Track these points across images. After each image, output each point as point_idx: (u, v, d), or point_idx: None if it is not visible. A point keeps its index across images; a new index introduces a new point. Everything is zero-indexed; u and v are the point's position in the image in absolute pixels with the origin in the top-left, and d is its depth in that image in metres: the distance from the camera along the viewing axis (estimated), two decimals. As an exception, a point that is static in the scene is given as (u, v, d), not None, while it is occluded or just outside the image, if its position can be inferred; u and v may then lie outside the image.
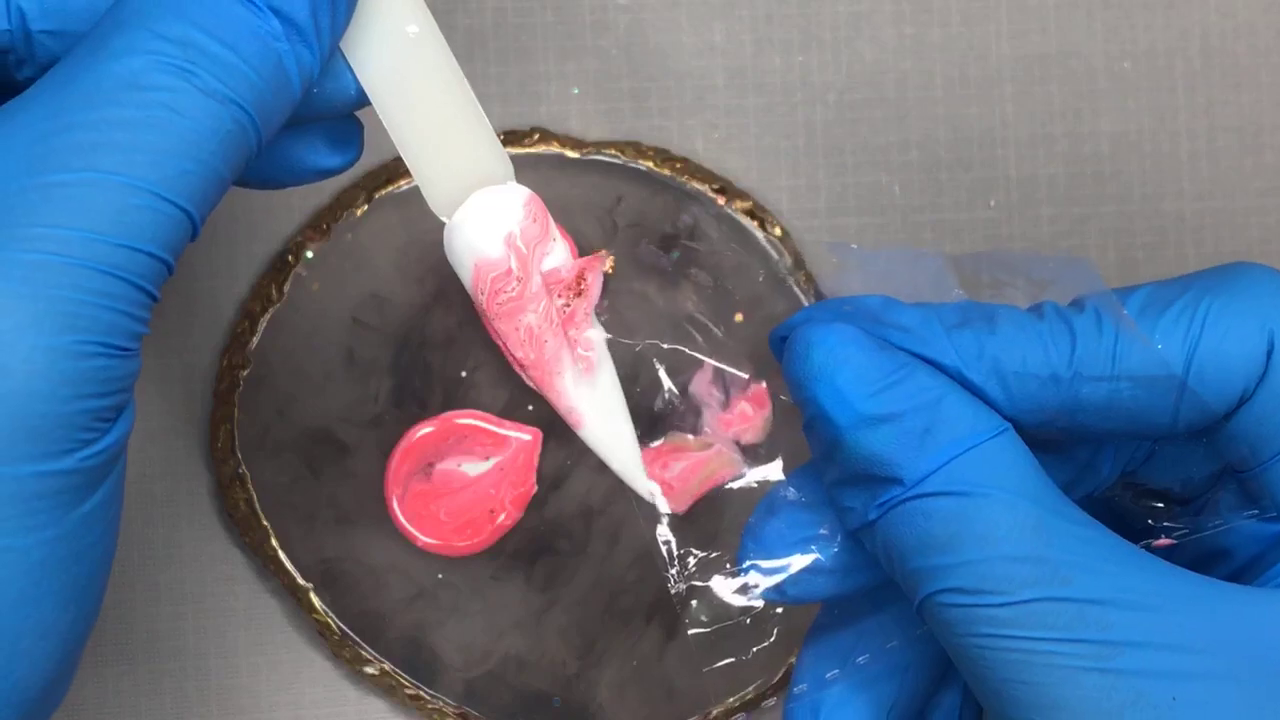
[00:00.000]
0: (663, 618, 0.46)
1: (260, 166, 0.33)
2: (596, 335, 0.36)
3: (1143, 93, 0.48)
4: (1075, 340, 0.33)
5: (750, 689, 0.46)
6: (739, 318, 0.46)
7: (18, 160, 0.29)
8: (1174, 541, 0.36)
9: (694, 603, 0.38)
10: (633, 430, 0.35)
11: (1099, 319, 0.34)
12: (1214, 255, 0.48)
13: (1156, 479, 0.36)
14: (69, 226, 0.28)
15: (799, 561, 0.36)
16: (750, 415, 0.46)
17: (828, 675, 0.37)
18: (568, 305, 0.36)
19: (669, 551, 0.38)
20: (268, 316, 0.45)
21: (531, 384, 0.35)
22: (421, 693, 0.45)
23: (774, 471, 0.40)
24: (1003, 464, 0.32)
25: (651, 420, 0.46)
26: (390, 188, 0.45)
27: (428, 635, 0.45)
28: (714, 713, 0.46)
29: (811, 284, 0.46)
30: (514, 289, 0.34)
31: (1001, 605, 0.31)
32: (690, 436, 0.46)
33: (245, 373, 0.45)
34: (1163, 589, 0.31)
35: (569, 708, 0.46)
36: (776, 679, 0.46)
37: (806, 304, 0.46)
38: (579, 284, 0.36)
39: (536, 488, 0.45)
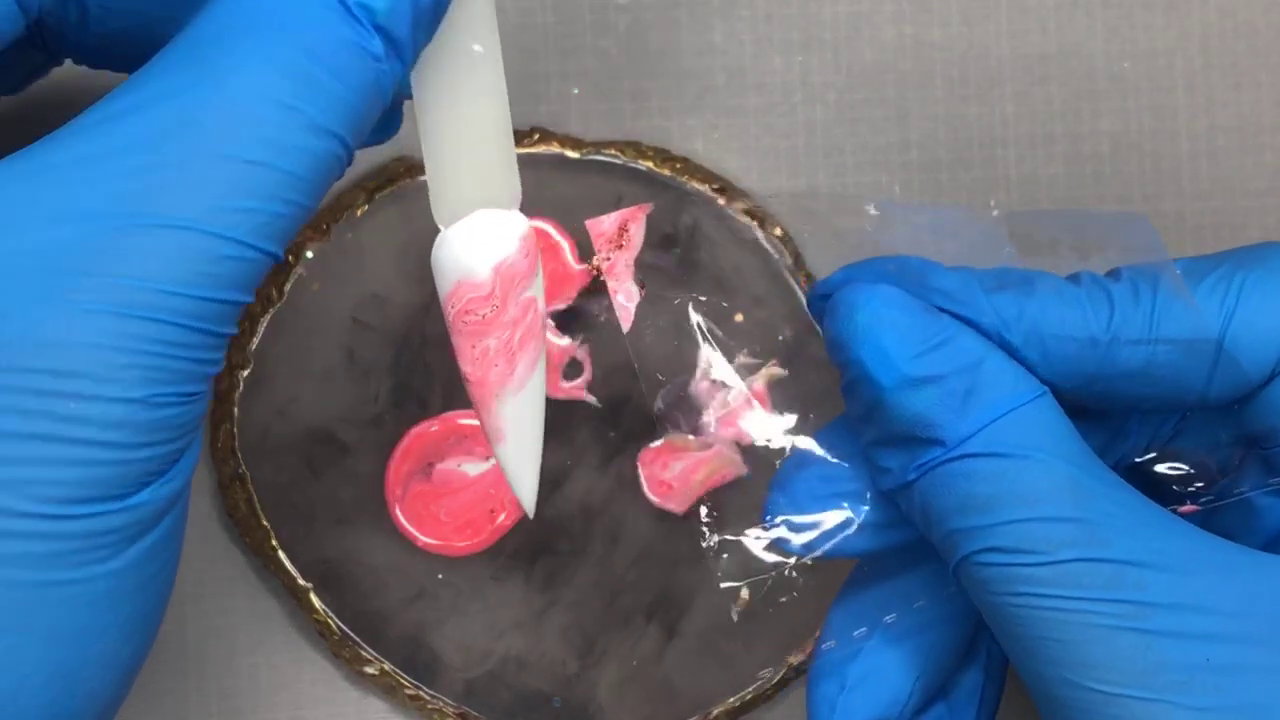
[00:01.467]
0: (663, 618, 0.46)
1: None
2: (632, 290, 0.36)
3: (1143, 93, 0.48)
4: (1114, 305, 0.34)
5: (750, 689, 0.46)
6: (739, 318, 0.46)
7: (112, 192, 0.28)
8: (1198, 508, 0.36)
9: (725, 556, 0.38)
10: (540, 459, 0.36)
11: (1135, 288, 0.34)
12: (1214, 255, 0.48)
13: (1183, 452, 0.36)
14: (155, 279, 0.28)
15: (830, 518, 0.36)
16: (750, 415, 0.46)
17: (855, 634, 0.37)
18: (608, 257, 0.35)
19: (701, 507, 0.38)
20: (268, 317, 0.45)
21: (468, 395, 0.36)
22: (421, 693, 0.45)
23: (780, 427, 0.40)
24: (1042, 426, 0.33)
25: (652, 420, 0.46)
26: (390, 188, 0.45)
27: (428, 635, 0.45)
28: (714, 713, 0.46)
29: (811, 284, 0.46)
30: (486, 313, 0.34)
31: (1040, 565, 0.32)
32: (690, 436, 0.46)
33: (245, 373, 0.45)
34: (1197, 553, 0.32)
35: (569, 708, 0.46)
36: (778, 678, 0.46)
37: (806, 303, 0.46)
38: (620, 236, 0.36)
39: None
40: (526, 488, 0.35)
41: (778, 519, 0.37)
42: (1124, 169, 0.48)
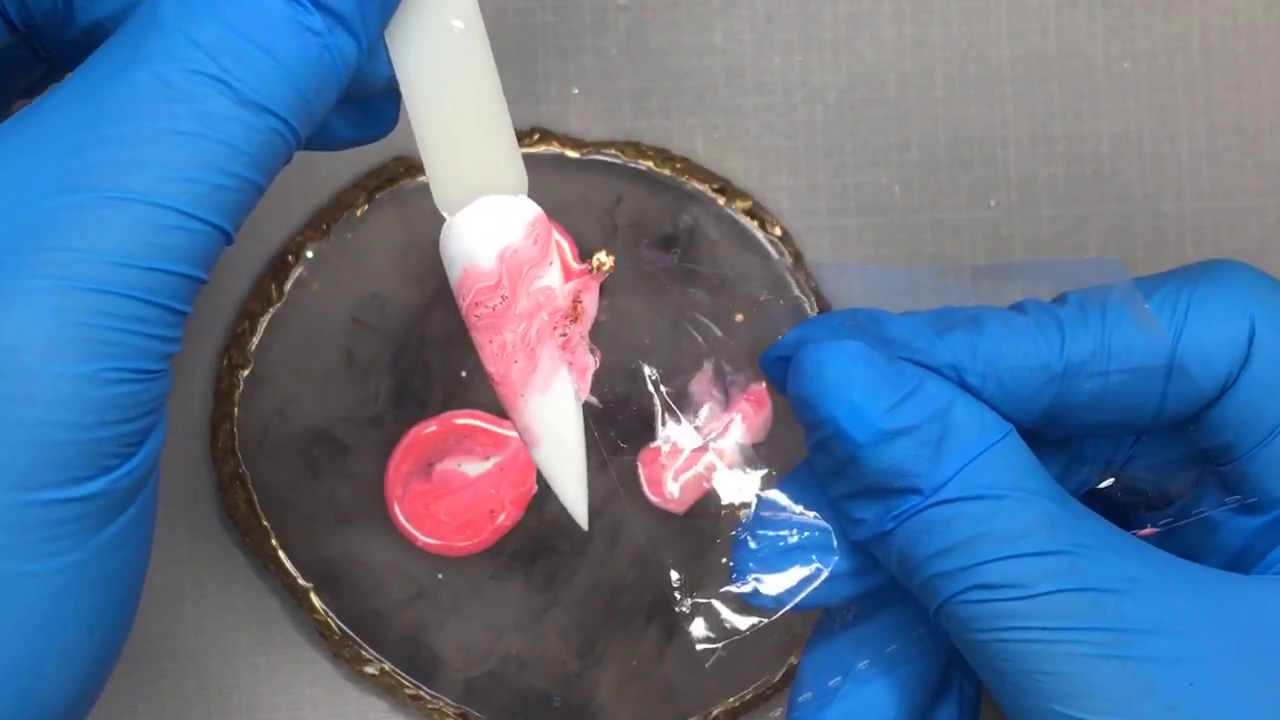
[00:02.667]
0: (663, 618, 0.46)
1: None
2: (588, 360, 0.36)
3: (1143, 93, 0.48)
4: (1063, 330, 0.34)
5: (750, 689, 0.46)
6: (739, 318, 0.46)
7: (50, 173, 0.28)
8: (1158, 529, 0.36)
9: (699, 619, 0.38)
10: (584, 460, 0.35)
11: (1083, 309, 0.34)
12: (1214, 255, 0.48)
13: (1139, 475, 0.37)
14: (98, 251, 0.28)
15: (799, 571, 0.36)
16: (750, 415, 0.46)
17: (830, 683, 0.37)
18: (564, 333, 0.35)
19: (672, 572, 0.38)
20: (268, 316, 0.45)
21: (498, 397, 0.35)
22: (421, 692, 0.45)
23: (750, 486, 0.40)
24: (1013, 463, 0.33)
25: (652, 420, 0.46)
26: (390, 188, 0.45)
27: (428, 635, 0.45)
28: (714, 713, 0.46)
29: (811, 284, 0.46)
30: (496, 304, 0.34)
31: (1023, 599, 0.32)
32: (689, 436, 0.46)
33: (245, 373, 0.45)
34: (1168, 577, 0.32)
35: (569, 708, 0.46)
36: (777, 678, 0.46)
37: (806, 302, 0.46)
38: (574, 308, 0.35)
39: (536, 488, 0.45)
40: (573, 495, 0.35)
41: (748, 577, 0.37)
42: (1124, 169, 0.48)
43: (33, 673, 0.29)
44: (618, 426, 0.46)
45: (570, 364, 0.35)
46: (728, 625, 0.38)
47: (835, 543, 0.36)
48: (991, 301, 0.36)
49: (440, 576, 0.45)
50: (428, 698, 0.45)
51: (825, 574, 0.36)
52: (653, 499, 0.46)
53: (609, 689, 0.46)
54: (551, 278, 0.34)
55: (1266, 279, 0.35)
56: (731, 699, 0.46)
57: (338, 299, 0.45)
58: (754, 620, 0.38)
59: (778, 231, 0.46)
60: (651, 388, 0.41)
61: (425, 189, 0.45)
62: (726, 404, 0.46)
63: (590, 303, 0.36)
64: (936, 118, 0.48)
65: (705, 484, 0.42)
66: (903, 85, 0.48)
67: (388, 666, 0.45)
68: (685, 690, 0.46)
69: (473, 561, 0.45)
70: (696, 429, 0.41)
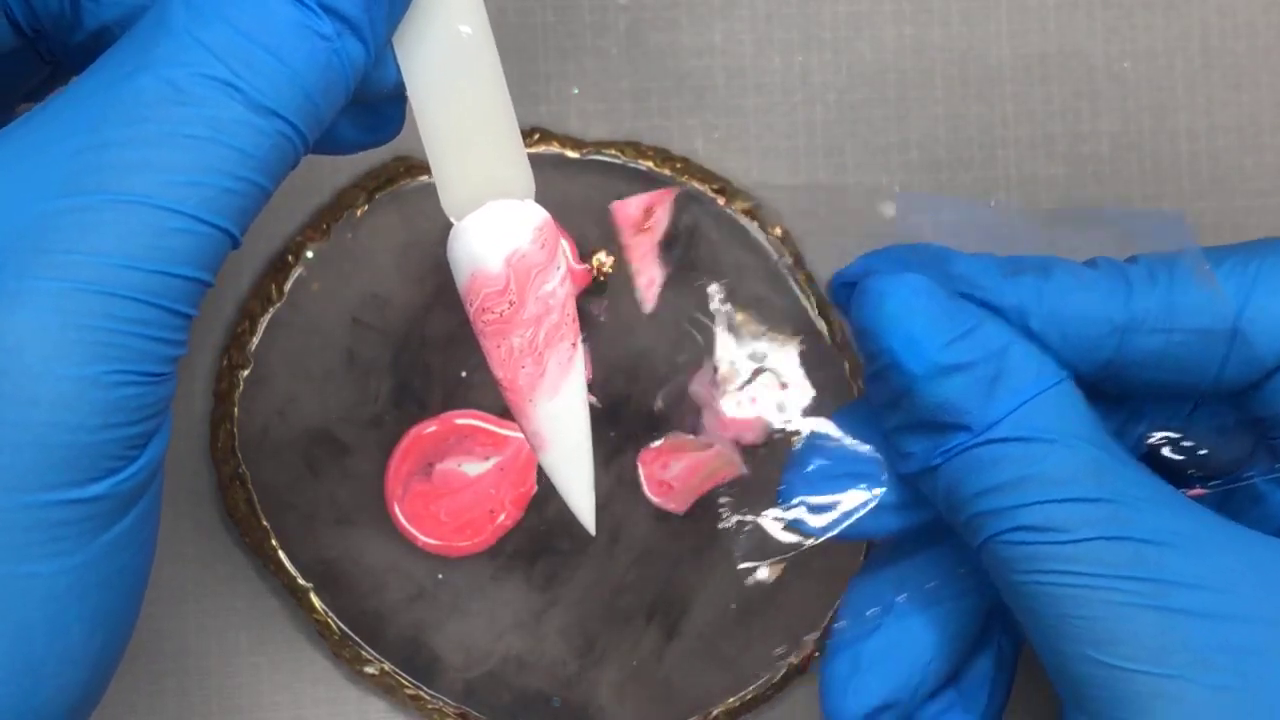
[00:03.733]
0: (663, 618, 0.46)
1: None
2: (656, 273, 0.36)
3: (1143, 93, 0.48)
4: (1131, 288, 0.34)
5: (750, 689, 0.46)
6: (739, 317, 0.46)
7: (53, 176, 0.28)
8: (1207, 491, 0.37)
9: (742, 536, 0.39)
10: (592, 468, 0.35)
11: (1152, 271, 0.35)
12: (1214, 255, 0.48)
13: (1194, 437, 0.37)
14: (102, 253, 0.27)
15: (847, 499, 0.37)
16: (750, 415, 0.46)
17: (868, 613, 0.38)
18: (629, 243, 0.35)
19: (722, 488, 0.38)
20: (268, 316, 0.45)
21: (505, 401, 0.35)
22: (421, 693, 0.45)
23: (814, 419, 0.41)
24: (1065, 410, 0.34)
25: (651, 420, 0.46)
26: (390, 188, 0.45)
27: (428, 635, 0.45)
28: (714, 713, 0.46)
29: (812, 284, 0.46)
30: (504, 309, 0.34)
31: (1065, 543, 0.33)
32: (690, 436, 0.46)
33: (245, 373, 0.45)
34: (1215, 535, 0.33)
35: (569, 708, 0.46)
36: (778, 678, 0.46)
37: (806, 303, 0.46)
38: (645, 219, 0.35)
39: (536, 488, 0.45)
40: (581, 499, 0.35)
41: (794, 500, 0.37)
42: (1124, 169, 0.48)
43: (33, 674, 0.29)
44: (618, 426, 0.46)
45: (639, 273, 0.36)
46: (771, 545, 0.38)
47: (884, 475, 0.37)
48: (1057, 249, 0.37)
49: (440, 576, 0.45)
50: (428, 698, 0.45)
51: (872, 504, 0.36)
52: (653, 499, 0.46)
53: (609, 689, 0.46)
54: (558, 283, 0.34)
55: None
56: (731, 699, 0.46)
57: (338, 299, 0.45)
58: (796, 539, 0.38)
59: (777, 231, 0.46)
60: (718, 303, 0.41)
61: (425, 189, 0.45)
62: (726, 404, 0.46)
63: (663, 214, 0.36)
64: (936, 118, 0.48)
65: (759, 412, 0.42)
66: (903, 85, 0.48)
67: (388, 666, 0.45)
68: (685, 690, 0.46)
69: (473, 561, 0.45)
70: (751, 356, 0.41)
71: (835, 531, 0.37)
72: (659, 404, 0.46)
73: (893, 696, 0.38)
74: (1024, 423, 0.33)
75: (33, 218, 0.28)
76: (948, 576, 0.38)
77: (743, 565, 0.39)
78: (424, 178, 0.45)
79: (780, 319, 0.46)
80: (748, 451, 0.46)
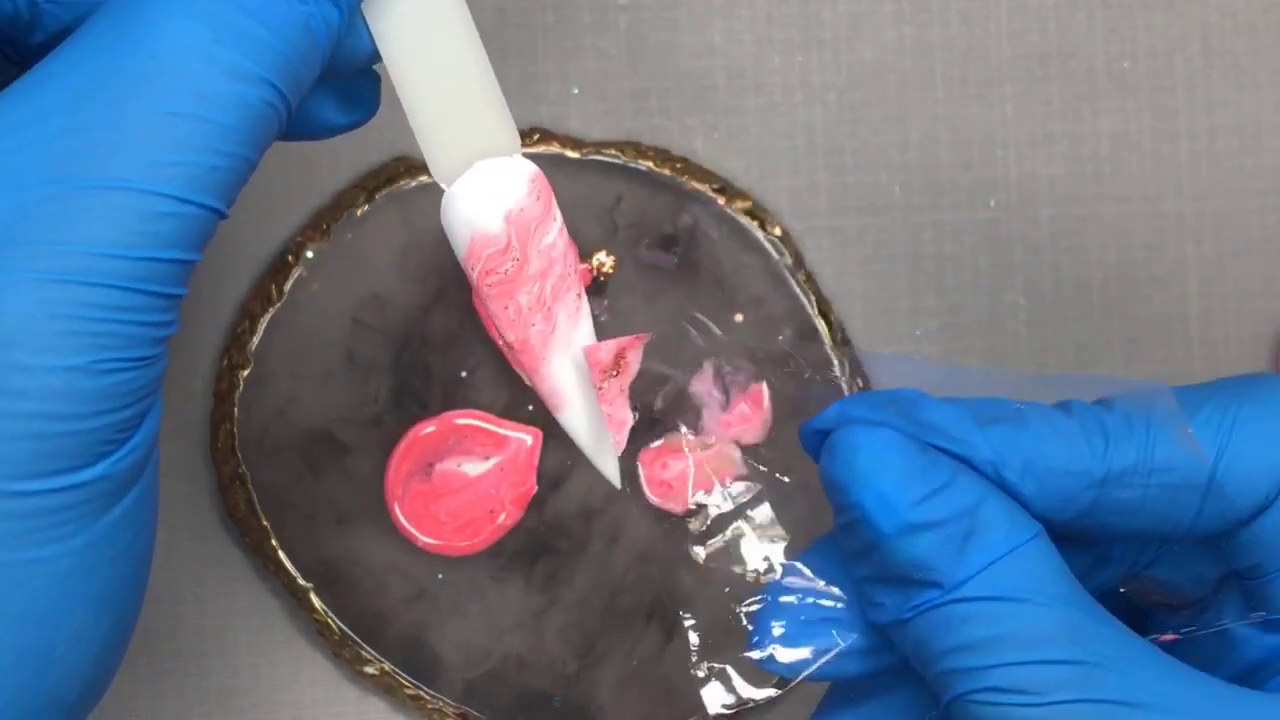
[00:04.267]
0: (663, 618, 0.46)
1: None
2: (626, 416, 0.36)
3: (1143, 93, 0.48)
4: (1108, 438, 0.33)
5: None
6: (739, 318, 0.46)
7: (33, 162, 0.27)
8: (1178, 636, 0.36)
9: (715, 683, 0.39)
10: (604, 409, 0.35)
11: (1129, 419, 0.34)
12: (1214, 255, 0.48)
13: (1164, 580, 0.37)
14: (87, 242, 0.27)
15: (816, 643, 0.36)
16: (750, 415, 0.46)
17: None
18: (602, 385, 0.35)
19: (692, 634, 0.39)
20: (268, 316, 0.45)
21: (517, 366, 0.35)
22: (421, 693, 0.45)
23: (775, 554, 0.40)
24: (1038, 567, 0.33)
25: (651, 420, 0.46)
26: (390, 188, 0.45)
27: (428, 635, 0.45)
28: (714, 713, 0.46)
29: (812, 284, 0.46)
30: (509, 268, 0.33)
31: (1035, 705, 0.32)
32: (690, 436, 0.46)
33: (245, 373, 0.45)
34: (1190, 693, 0.32)
35: (569, 708, 0.46)
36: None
37: (806, 303, 0.46)
38: (616, 364, 0.35)
39: (536, 488, 0.45)
40: (605, 455, 0.34)
41: (766, 644, 0.37)
42: (1124, 169, 0.48)
43: (44, 657, 0.29)
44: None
45: (609, 417, 0.35)
46: (742, 693, 0.38)
47: (854, 619, 0.36)
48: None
49: (440, 576, 0.45)
50: (428, 698, 0.45)
51: (841, 648, 0.36)
52: (653, 499, 0.46)
53: (609, 689, 0.46)
54: (557, 234, 0.34)
55: None
56: (731, 699, 0.46)
57: (338, 299, 0.45)
58: (769, 693, 0.38)
59: (778, 231, 0.46)
60: (687, 449, 0.42)
61: (425, 189, 0.45)
62: (727, 404, 0.46)
63: (634, 359, 0.35)
64: (936, 118, 0.48)
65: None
66: (903, 85, 0.48)
67: (388, 666, 0.45)
68: (685, 690, 0.46)
69: (473, 561, 0.45)
70: (729, 496, 0.41)
71: (804, 675, 0.37)
72: (659, 404, 0.46)
73: None
74: (995, 581, 0.33)
75: (13, 207, 0.27)
76: None
77: (714, 712, 0.39)
78: (423, 178, 0.45)
79: (780, 319, 0.46)
80: (748, 451, 0.46)
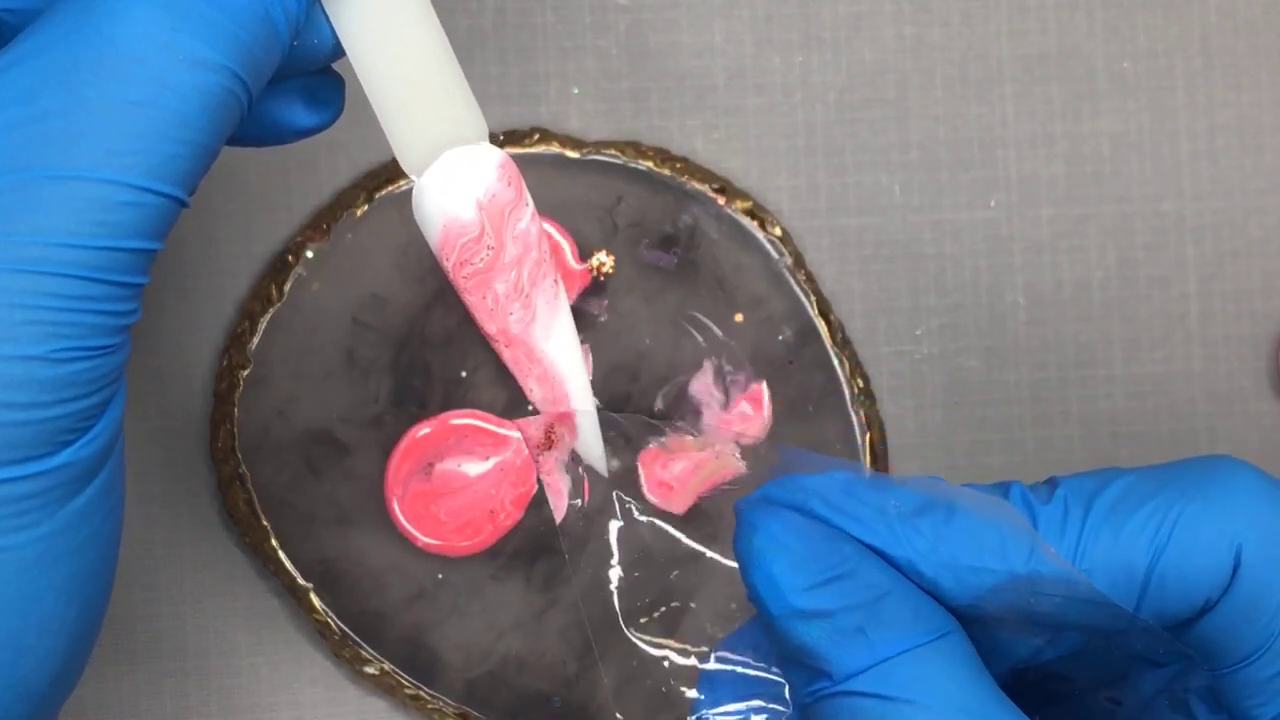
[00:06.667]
0: (663, 617, 0.46)
1: (247, 131, 0.32)
2: (563, 485, 0.35)
3: (1143, 93, 0.48)
4: (1036, 536, 0.32)
5: (750, 689, 0.46)
6: (739, 318, 0.46)
7: None
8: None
9: None
10: (592, 400, 0.34)
11: (1065, 509, 0.32)
12: (1214, 255, 0.48)
13: (1061, 670, 0.35)
14: (44, 233, 0.27)
15: (754, 714, 0.36)
16: (750, 415, 0.46)
17: None
18: (537, 459, 0.35)
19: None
20: (268, 316, 0.45)
21: (501, 357, 0.35)
22: (421, 693, 0.45)
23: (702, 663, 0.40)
24: (937, 670, 0.31)
25: (652, 420, 0.46)
26: (390, 188, 0.45)
27: (428, 635, 0.45)
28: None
29: (812, 284, 0.46)
30: (484, 256, 0.33)
31: None
32: (690, 436, 0.46)
33: (245, 373, 0.45)
34: None
35: (569, 708, 0.46)
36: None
37: (806, 303, 0.46)
38: (548, 439, 0.35)
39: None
40: (592, 442, 0.34)
41: (706, 714, 0.37)
42: (1124, 169, 0.48)
43: (13, 645, 0.29)
44: (618, 426, 0.46)
45: (548, 485, 0.35)
46: None
47: (786, 693, 0.35)
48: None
49: (440, 576, 0.45)
50: (428, 698, 0.45)
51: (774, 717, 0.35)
52: (653, 499, 0.46)
53: (609, 689, 0.46)
54: (530, 220, 0.34)
55: (1268, 488, 0.32)
56: (731, 699, 0.46)
57: (338, 299, 0.45)
58: None
59: (778, 231, 0.46)
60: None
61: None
62: (726, 404, 0.46)
63: (568, 433, 0.35)
64: (936, 118, 0.48)
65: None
66: (903, 85, 0.48)
67: (388, 666, 0.45)
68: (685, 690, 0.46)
69: (473, 561, 0.45)
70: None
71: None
72: (659, 404, 0.46)
73: None
74: (886, 679, 0.31)
75: None
76: None
77: None
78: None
79: (780, 319, 0.46)
80: (748, 451, 0.46)
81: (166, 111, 0.28)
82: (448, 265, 0.33)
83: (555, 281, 0.34)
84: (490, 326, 0.33)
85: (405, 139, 0.33)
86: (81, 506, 0.29)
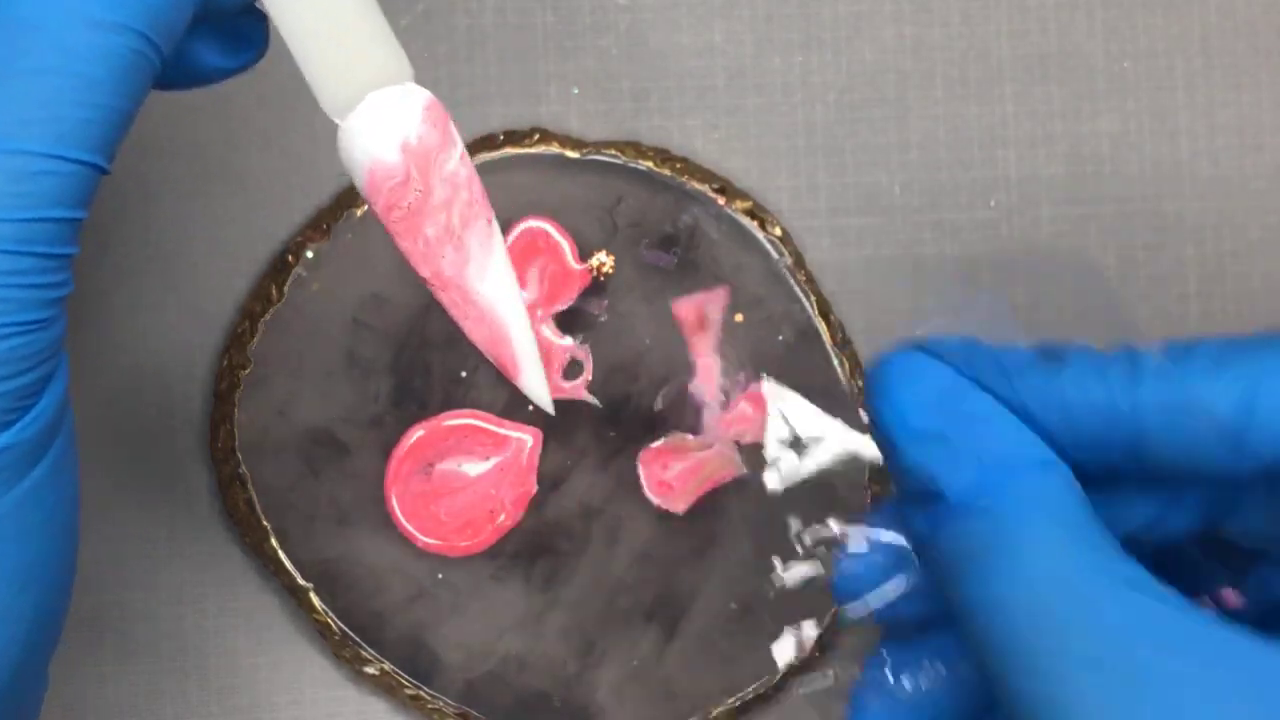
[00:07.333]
0: (663, 618, 0.46)
1: (163, 77, 0.31)
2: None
3: (1143, 93, 0.48)
4: (1139, 374, 0.33)
5: (750, 689, 0.46)
6: (739, 318, 0.46)
7: None
8: (1241, 596, 0.35)
9: (784, 639, 0.40)
10: (534, 339, 0.34)
11: (1170, 355, 0.34)
12: (1214, 255, 0.48)
13: (1241, 532, 0.36)
14: None
15: (888, 589, 0.37)
16: (750, 415, 0.46)
17: (868, 694, 0.38)
18: (690, 340, 0.35)
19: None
20: (268, 316, 0.45)
21: (439, 301, 0.34)
22: (421, 693, 0.45)
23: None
24: (1045, 492, 0.33)
25: (651, 420, 0.46)
26: (390, 188, 0.45)
27: (428, 635, 0.45)
28: (714, 713, 0.46)
29: (812, 284, 0.46)
30: (412, 201, 0.32)
31: (1023, 623, 0.31)
32: (690, 436, 0.46)
33: (245, 373, 0.45)
34: (1198, 634, 0.31)
35: (569, 708, 0.46)
36: (777, 678, 0.46)
37: (807, 303, 0.46)
38: (700, 321, 0.35)
39: (536, 488, 0.45)
40: (534, 379, 0.34)
41: (848, 601, 0.38)
42: (1124, 169, 0.48)
43: None
44: (618, 426, 0.46)
45: (701, 365, 0.35)
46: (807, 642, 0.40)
47: (915, 561, 0.36)
48: None
49: (440, 576, 0.45)
50: (428, 698, 0.45)
51: (904, 589, 0.37)
52: (653, 499, 0.46)
53: (609, 689, 0.46)
54: (459, 161, 0.33)
55: None
56: (731, 699, 0.46)
57: (338, 299, 0.45)
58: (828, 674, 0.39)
59: (778, 231, 0.46)
60: (795, 540, 0.42)
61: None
62: (726, 404, 0.46)
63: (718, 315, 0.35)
64: (936, 118, 0.48)
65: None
66: (903, 85, 0.48)
67: (388, 666, 0.45)
68: (685, 690, 0.46)
69: (473, 561, 0.45)
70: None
71: (868, 612, 0.38)
72: (659, 404, 0.46)
73: None
74: (997, 497, 0.33)
75: None
76: (950, 660, 0.37)
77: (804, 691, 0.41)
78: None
79: (780, 319, 0.46)
80: (748, 451, 0.46)
81: (72, 77, 0.27)
82: (376, 208, 0.33)
83: (489, 222, 0.33)
84: (424, 270, 0.33)
85: (325, 81, 0.32)
86: (30, 489, 0.29)
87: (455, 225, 0.33)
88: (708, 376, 0.42)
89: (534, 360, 0.33)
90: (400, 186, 0.33)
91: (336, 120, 0.32)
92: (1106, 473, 0.34)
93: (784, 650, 0.41)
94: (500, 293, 0.34)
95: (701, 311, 0.38)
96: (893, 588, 0.37)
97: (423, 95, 0.33)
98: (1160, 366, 0.33)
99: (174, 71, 0.31)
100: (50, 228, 0.28)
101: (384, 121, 0.32)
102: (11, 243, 0.27)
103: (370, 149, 0.32)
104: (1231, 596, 0.36)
